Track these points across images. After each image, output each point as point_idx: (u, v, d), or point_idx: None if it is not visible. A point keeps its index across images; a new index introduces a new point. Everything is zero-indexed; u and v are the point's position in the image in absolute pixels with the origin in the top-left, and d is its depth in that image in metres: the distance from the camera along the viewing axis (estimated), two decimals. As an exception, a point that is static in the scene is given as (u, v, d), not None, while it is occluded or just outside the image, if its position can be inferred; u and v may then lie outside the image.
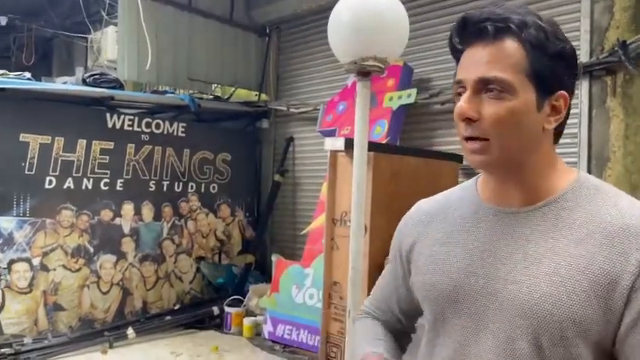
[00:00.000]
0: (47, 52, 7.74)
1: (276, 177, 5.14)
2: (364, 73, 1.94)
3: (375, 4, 1.89)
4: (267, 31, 5.44)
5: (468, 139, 0.89)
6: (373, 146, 2.94)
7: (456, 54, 0.93)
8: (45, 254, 3.89)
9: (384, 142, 3.82)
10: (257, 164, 5.39)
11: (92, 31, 5.93)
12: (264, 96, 5.36)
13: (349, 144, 2.88)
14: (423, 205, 1.11)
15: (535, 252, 0.87)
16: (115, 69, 5.02)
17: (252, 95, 5.43)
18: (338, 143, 3.06)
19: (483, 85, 0.86)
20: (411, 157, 3.33)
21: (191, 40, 4.88)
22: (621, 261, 0.81)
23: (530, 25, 0.86)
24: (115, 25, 5.14)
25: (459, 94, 0.90)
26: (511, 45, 0.85)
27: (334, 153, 3.12)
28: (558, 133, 0.93)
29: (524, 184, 0.91)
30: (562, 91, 0.89)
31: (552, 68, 0.87)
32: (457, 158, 3.73)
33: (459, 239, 0.97)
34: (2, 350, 3.58)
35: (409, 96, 3.98)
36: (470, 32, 0.89)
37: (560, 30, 0.89)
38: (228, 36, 5.20)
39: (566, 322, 0.82)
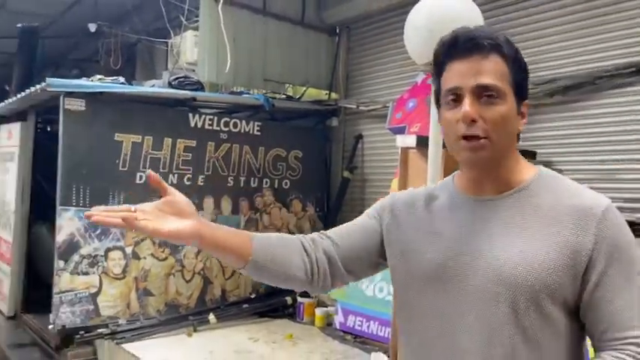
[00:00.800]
0: (131, 56, 8.30)
1: (346, 173, 5.28)
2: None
3: (450, 8, 1.98)
4: (337, 31, 5.58)
5: (469, 137, 1.03)
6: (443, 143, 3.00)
7: (439, 66, 1.09)
8: (136, 243, 4.25)
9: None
10: (327, 161, 5.56)
11: (172, 35, 6.32)
12: (334, 94, 5.51)
13: (420, 141, 2.97)
14: (398, 199, 1.25)
15: (510, 231, 1.05)
16: (194, 70, 5.34)
17: (322, 94, 5.59)
18: (409, 140, 3.14)
19: (481, 91, 1.03)
20: (482, 154, 3.36)
21: (265, 43, 5.11)
22: (583, 235, 1.01)
23: (508, 43, 1.06)
24: (194, 29, 5.47)
25: (453, 100, 1.05)
26: (498, 59, 1.04)
27: (405, 150, 3.21)
28: (518, 135, 1.11)
29: (498, 177, 1.09)
30: (526, 100, 1.09)
31: (523, 79, 1.07)
32: (531, 154, 3.71)
33: (442, 225, 1.13)
34: (100, 330, 3.97)
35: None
36: (462, 48, 1.05)
37: (520, 53, 1.08)
38: (299, 37, 5.39)
39: (539, 286, 1.00)
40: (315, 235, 1.24)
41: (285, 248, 1.18)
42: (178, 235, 1.06)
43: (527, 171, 1.11)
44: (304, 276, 1.18)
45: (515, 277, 1.01)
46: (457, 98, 1.05)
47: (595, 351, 1.04)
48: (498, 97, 1.03)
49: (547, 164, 3.76)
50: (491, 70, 1.03)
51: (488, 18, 3.65)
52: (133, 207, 1.04)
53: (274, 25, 5.19)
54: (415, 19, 2.06)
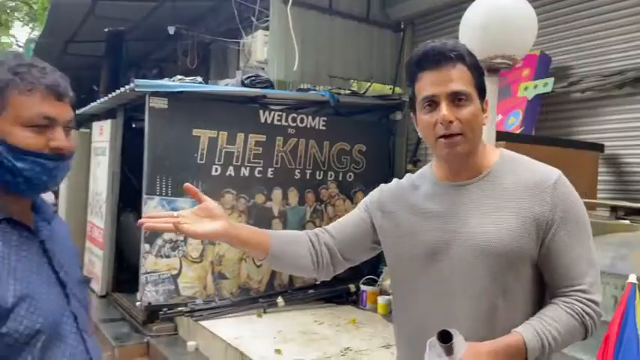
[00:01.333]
0: (206, 56, 8.78)
1: (409, 166, 5.38)
2: (493, 70, 2.13)
3: (504, 7, 2.08)
4: (402, 26, 5.68)
5: (447, 136, 1.23)
6: (504, 136, 3.07)
7: (412, 76, 1.27)
8: (212, 230, 4.60)
9: (517, 132, 3.88)
10: (390, 154, 5.69)
11: (244, 35, 6.66)
12: (397, 89, 5.62)
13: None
14: (388, 188, 1.45)
15: (483, 210, 1.25)
16: (263, 68, 5.64)
17: (386, 89, 5.72)
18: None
19: (454, 97, 1.22)
20: (544, 147, 3.37)
21: (331, 40, 5.32)
22: (541, 205, 1.22)
23: (469, 53, 1.26)
24: (264, 29, 5.76)
25: (429, 106, 1.23)
26: (463, 67, 1.24)
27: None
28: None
29: (470, 165, 1.29)
30: (486, 98, 1.29)
31: (482, 81, 1.27)
32: (598, 147, 3.66)
33: (428, 209, 1.32)
34: (180, 308, 4.36)
35: (545, 85, 3.97)
36: (431, 60, 1.23)
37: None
38: (364, 34, 5.55)
39: (509, 251, 1.21)
40: (317, 230, 1.46)
41: (296, 244, 1.41)
42: (210, 236, 1.29)
43: (491, 156, 1.32)
44: (311, 265, 1.41)
45: (489, 246, 1.22)
46: (433, 104, 1.23)
47: (550, 299, 1.26)
48: (468, 100, 1.23)
49: (614, 157, 3.73)
50: (459, 78, 1.23)
51: (542, 14, 3.66)
52: (175, 213, 1.28)
53: (340, 23, 5.38)
54: (471, 17, 2.18)
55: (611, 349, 2.10)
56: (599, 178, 3.62)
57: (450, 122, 1.22)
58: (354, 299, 4.86)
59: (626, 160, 3.70)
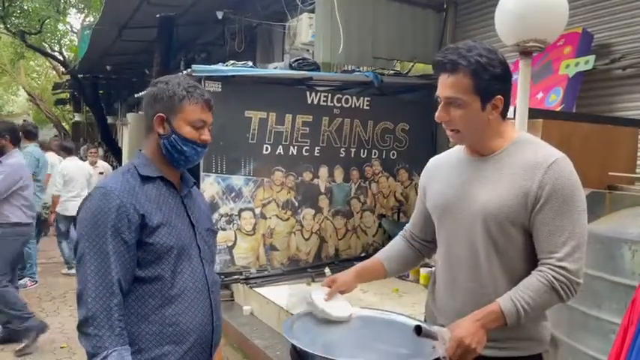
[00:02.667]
0: (252, 39, 9.05)
1: (451, 144, 5.51)
2: (526, 53, 2.30)
3: (539, -6, 2.23)
4: (445, 6, 5.77)
5: (449, 129, 1.54)
6: (544, 114, 3.21)
7: (435, 74, 1.55)
8: (263, 205, 4.94)
9: (558, 109, 3.98)
10: (433, 133, 5.82)
11: (289, 18, 6.87)
12: (440, 68, 5.73)
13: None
14: (433, 159, 1.81)
15: (488, 181, 1.52)
16: (308, 50, 5.86)
17: (429, 69, 5.83)
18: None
19: (448, 100, 1.49)
20: (584, 124, 3.47)
21: (375, 22, 5.47)
22: (531, 181, 1.45)
23: (473, 63, 1.45)
24: (309, 11, 5.96)
25: (439, 103, 1.51)
26: (462, 76, 1.46)
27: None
28: (505, 113, 1.53)
29: (482, 146, 1.56)
30: (499, 96, 1.48)
31: (488, 86, 1.46)
32: (638, 123, 3.72)
33: (450, 177, 1.64)
34: (235, 276, 4.73)
35: (587, 62, 4.04)
36: (439, 67, 1.51)
37: (495, 60, 1.47)
38: (407, 14, 5.67)
39: (501, 216, 1.48)
40: (403, 233, 1.87)
41: (402, 254, 1.84)
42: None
43: (507, 138, 1.56)
44: (419, 258, 1.86)
45: (487, 210, 1.50)
46: (439, 102, 1.52)
47: None
48: (460, 105, 1.49)
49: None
50: (453, 85, 1.48)
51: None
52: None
53: (383, 4, 5.51)
54: (505, 1, 2.34)
55: (637, 311, 2.27)
56: (639, 153, 3.69)
57: (444, 121, 1.53)
58: (397, 271, 5.10)
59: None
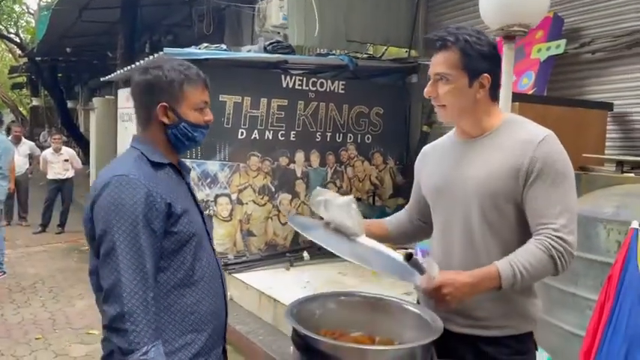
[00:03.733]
0: (220, 21, 8.88)
1: (424, 128, 5.60)
2: (509, 37, 2.34)
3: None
4: (417, -10, 5.78)
5: (436, 105, 1.57)
6: (517, 97, 3.27)
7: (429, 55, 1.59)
8: (240, 191, 4.90)
9: (530, 92, 4.07)
10: (407, 116, 5.89)
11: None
12: (413, 52, 5.78)
13: (496, 96, 3.26)
14: (427, 146, 1.83)
15: (481, 160, 1.55)
16: (279, 33, 5.78)
17: (402, 52, 5.88)
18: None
19: (437, 77, 1.53)
20: (556, 107, 3.56)
21: (348, 4, 5.45)
22: (522, 158, 1.48)
23: (461, 40, 1.50)
24: (279, -7, 5.86)
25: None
26: (450, 52, 1.51)
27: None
28: (494, 94, 1.57)
29: (471, 126, 1.60)
30: (485, 74, 1.51)
31: (475, 63, 1.50)
32: (607, 106, 3.85)
33: (442, 160, 1.68)
34: (213, 263, 4.69)
35: (558, 47, 4.14)
36: (429, 45, 1.56)
37: (483, 40, 1.52)
38: (380, -2, 5.67)
39: (494, 193, 1.51)
40: (404, 211, 1.91)
41: (402, 223, 1.89)
42: None
43: (496, 119, 1.59)
44: (418, 235, 1.89)
45: (480, 189, 1.54)
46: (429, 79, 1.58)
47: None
48: (448, 80, 1.52)
49: (622, 115, 3.92)
50: (443, 62, 1.52)
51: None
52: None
53: (356, -13, 5.49)
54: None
55: (613, 287, 2.37)
56: (608, 135, 3.83)
57: (432, 96, 1.56)
58: (373, 253, 5.16)
59: (634, 117, 3.89)
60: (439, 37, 1.52)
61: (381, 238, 1.81)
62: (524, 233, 1.54)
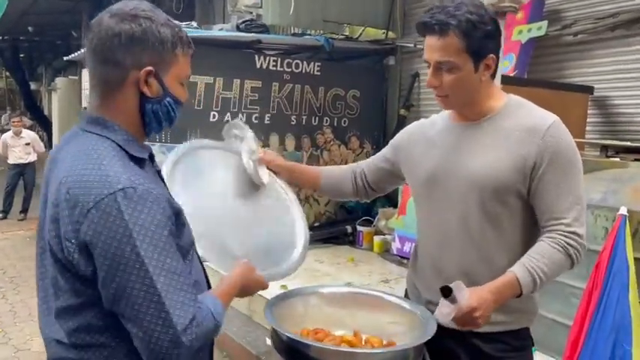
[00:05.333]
0: (191, 0, 8.55)
1: (402, 111, 5.48)
2: (501, 14, 2.22)
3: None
4: (395, -31, 5.61)
5: (437, 95, 1.44)
6: (502, 79, 3.17)
7: (422, 36, 1.42)
8: (212, 176, 4.70)
9: (511, 75, 3.98)
10: (384, 99, 5.76)
11: (231, -23, 6.50)
12: (391, 34, 5.63)
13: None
14: (416, 124, 1.68)
15: (480, 147, 1.42)
16: (251, 13, 5.56)
17: (379, 34, 5.72)
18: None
19: (439, 65, 1.37)
20: (539, 89, 3.48)
21: (325, -17, 5.25)
22: (529, 146, 1.35)
23: (463, 22, 1.33)
24: (253, -29, 5.63)
25: (428, 67, 1.40)
26: (453, 37, 1.34)
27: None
28: (493, 74, 1.43)
29: (473, 110, 1.46)
30: (491, 54, 1.38)
31: (480, 45, 1.36)
32: (588, 89, 3.80)
33: (436, 145, 1.52)
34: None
35: (539, 29, 4.05)
36: (426, 29, 1.38)
37: (485, 16, 1.36)
38: (357, -24, 5.48)
39: (497, 183, 1.38)
40: (355, 165, 1.77)
41: (341, 179, 1.76)
42: (283, 168, 1.77)
43: (498, 101, 1.46)
44: (353, 195, 1.77)
45: (481, 179, 1.39)
46: (429, 65, 1.41)
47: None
48: (452, 68, 1.37)
49: (603, 99, 3.87)
50: (444, 48, 1.35)
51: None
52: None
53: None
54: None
55: (601, 275, 2.31)
56: (589, 119, 3.78)
57: (435, 87, 1.41)
58: (350, 239, 5.07)
59: (615, 101, 3.85)
60: (437, 21, 1.34)
61: (303, 184, 1.82)
62: (526, 225, 1.43)
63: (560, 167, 1.35)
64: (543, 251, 1.34)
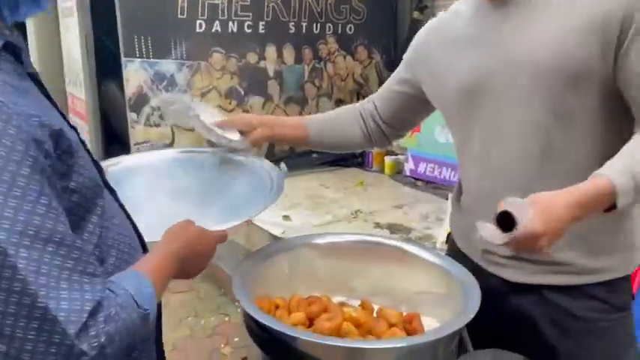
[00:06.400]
0: None
1: (415, 14, 4.83)
2: None
3: None
4: None
5: None
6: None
7: None
8: (203, 95, 4.22)
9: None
10: (394, 0, 5.10)
11: None
12: None
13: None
14: (431, 23, 1.30)
15: (536, 28, 1.01)
16: None
17: None
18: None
19: None
20: None
21: None
22: (608, 3, 0.93)
23: None
24: None
25: None
26: None
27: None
28: None
29: None
30: None
31: None
32: None
33: (468, 39, 1.13)
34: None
35: None
36: None
37: None
38: None
39: (569, 66, 0.96)
40: (358, 105, 1.45)
41: (341, 123, 1.45)
42: (260, 142, 1.50)
43: None
44: (365, 141, 1.43)
45: (545, 71, 0.99)
46: None
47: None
48: None
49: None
50: None
51: None
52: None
53: None
54: None
55: None
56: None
57: None
58: (359, 161, 4.65)
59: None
60: None
61: (295, 139, 1.51)
62: (609, 132, 1.01)
63: None
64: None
